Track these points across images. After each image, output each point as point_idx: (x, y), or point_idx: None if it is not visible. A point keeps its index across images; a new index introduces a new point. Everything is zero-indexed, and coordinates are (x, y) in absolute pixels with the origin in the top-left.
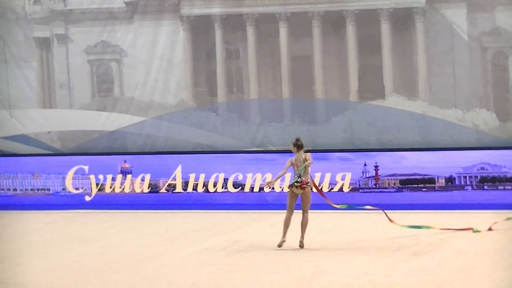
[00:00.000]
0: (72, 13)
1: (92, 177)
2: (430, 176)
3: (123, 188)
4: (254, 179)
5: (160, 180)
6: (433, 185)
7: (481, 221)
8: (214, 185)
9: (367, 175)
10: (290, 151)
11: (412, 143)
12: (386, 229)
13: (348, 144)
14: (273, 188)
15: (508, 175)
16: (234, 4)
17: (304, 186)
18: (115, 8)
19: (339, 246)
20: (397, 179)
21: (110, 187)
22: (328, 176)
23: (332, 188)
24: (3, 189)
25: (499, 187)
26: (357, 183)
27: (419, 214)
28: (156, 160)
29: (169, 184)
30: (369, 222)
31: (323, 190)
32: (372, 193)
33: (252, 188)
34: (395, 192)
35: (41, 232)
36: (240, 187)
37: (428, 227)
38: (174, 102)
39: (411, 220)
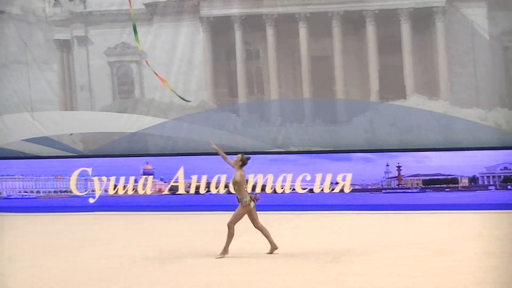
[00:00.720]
0: (92, 15)
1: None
2: (453, 176)
3: (146, 190)
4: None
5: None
6: (456, 185)
7: (506, 220)
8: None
9: (390, 176)
10: (310, 152)
11: (434, 143)
12: (404, 230)
13: (370, 144)
14: (294, 189)
15: None
16: (253, 4)
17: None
18: (135, 10)
19: (364, 248)
20: (420, 179)
21: (129, 189)
22: (349, 176)
23: (354, 189)
24: (26, 191)
25: None
26: (380, 183)
27: (442, 214)
28: (177, 161)
29: (190, 185)
30: (385, 224)
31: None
32: (395, 194)
33: (274, 190)
34: (418, 192)
35: (63, 234)
36: (262, 188)
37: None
38: (195, 103)
39: (434, 220)
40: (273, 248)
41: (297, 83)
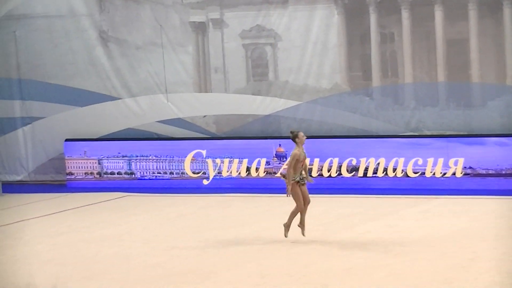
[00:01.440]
0: None
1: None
2: None
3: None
4: (408, 164)
5: (315, 165)
6: None
7: None
8: (367, 169)
9: None
10: (444, 136)
11: None
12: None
13: (505, 128)
14: (423, 173)
15: None
16: None
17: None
18: None
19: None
20: None
21: (263, 171)
22: (461, 161)
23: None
24: (159, 173)
25: None
26: None
27: None
28: (310, 144)
29: (327, 168)
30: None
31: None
32: None
33: (407, 173)
34: None
35: (196, 216)
36: (395, 172)
37: None
38: (328, 86)
39: None
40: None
41: (431, 66)
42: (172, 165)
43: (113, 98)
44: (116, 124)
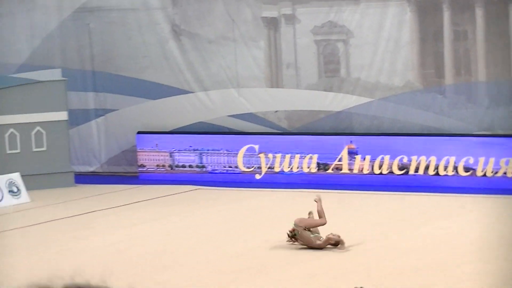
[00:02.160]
0: None
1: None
2: None
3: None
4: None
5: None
6: None
7: None
8: (436, 168)
9: None
10: None
11: None
12: None
13: None
14: (496, 173)
15: None
16: None
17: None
18: None
19: None
20: None
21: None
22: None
23: None
24: (230, 167)
25: None
26: None
27: None
28: (382, 141)
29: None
30: None
31: None
32: None
33: (480, 173)
34: None
35: (265, 211)
36: (468, 171)
37: None
38: (401, 83)
39: None
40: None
41: (505, 65)
42: (243, 160)
43: (185, 92)
44: (187, 117)
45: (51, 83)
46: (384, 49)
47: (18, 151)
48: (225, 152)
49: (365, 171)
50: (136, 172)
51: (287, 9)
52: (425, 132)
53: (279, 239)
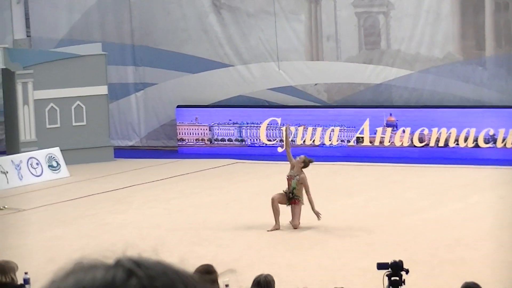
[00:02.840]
0: None
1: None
2: None
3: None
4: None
5: (426, 134)
6: None
7: None
8: (481, 140)
9: None
10: None
11: None
12: None
13: None
14: None
15: None
16: None
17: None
18: None
19: None
20: None
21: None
22: None
23: None
24: (270, 140)
25: None
26: None
27: None
28: (421, 114)
29: (436, 138)
30: None
31: None
32: None
33: None
34: None
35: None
36: (507, 143)
37: None
38: (441, 55)
39: None
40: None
41: None
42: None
43: (224, 65)
44: (227, 91)
45: (90, 57)
46: (424, 21)
47: (58, 125)
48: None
49: (405, 144)
50: (175, 146)
51: None
52: (465, 104)
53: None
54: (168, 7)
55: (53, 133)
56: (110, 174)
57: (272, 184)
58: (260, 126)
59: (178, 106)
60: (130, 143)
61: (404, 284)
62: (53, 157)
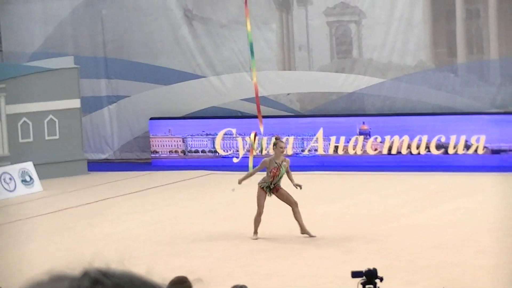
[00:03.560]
0: None
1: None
2: None
3: (363, 150)
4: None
5: (399, 142)
6: None
7: None
8: (454, 147)
9: None
10: None
11: None
12: None
13: None
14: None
15: None
16: None
17: (277, 188)
18: None
19: None
20: None
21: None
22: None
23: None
24: (224, 151)
25: None
26: None
27: None
28: (394, 122)
29: (408, 145)
30: None
31: None
32: None
33: (492, 151)
34: None
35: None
36: (481, 149)
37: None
38: (413, 63)
39: None
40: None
41: None
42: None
43: (197, 77)
44: (200, 102)
45: (63, 70)
46: (396, 29)
47: (30, 140)
48: (238, 136)
49: (378, 152)
50: (149, 159)
51: None
52: (438, 111)
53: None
54: (141, 19)
55: (26, 148)
56: (84, 188)
57: (247, 194)
58: (233, 137)
59: (151, 118)
60: (104, 156)
61: None
62: (26, 172)
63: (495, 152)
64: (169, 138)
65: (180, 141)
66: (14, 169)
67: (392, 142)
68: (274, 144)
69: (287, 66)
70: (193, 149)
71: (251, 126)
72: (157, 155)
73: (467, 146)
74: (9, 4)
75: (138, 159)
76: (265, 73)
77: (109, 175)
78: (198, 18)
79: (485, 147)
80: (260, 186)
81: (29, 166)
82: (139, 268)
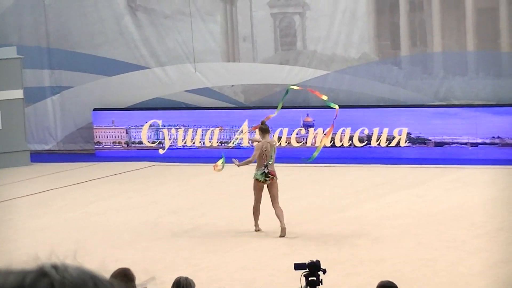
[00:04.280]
0: None
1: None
2: None
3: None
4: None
5: (342, 134)
6: None
7: None
8: (394, 140)
9: None
10: (473, 105)
11: None
12: None
13: None
14: (452, 143)
15: None
16: None
17: (272, 177)
18: None
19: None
20: None
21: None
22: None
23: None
24: (186, 142)
25: None
26: None
27: None
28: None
29: (350, 137)
30: None
31: None
32: None
33: (435, 143)
34: None
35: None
36: (423, 142)
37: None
38: (357, 55)
39: None
40: (282, 231)
41: (461, 35)
42: (200, 135)
43: (141, 68)
44: (144, 93)
45: (5, 61)
46: (340, 21)
47: None
48: (182, 127)
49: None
50: (92, 150)
51: None
52: (381, 103)
53: (233, 214)
54: (84, 9)
55: None
56: (27, 179)
57: (191, 186)
58: (177, 128)
59: (95, 109)
60: (47, 147)
61: (321, 284)
62: None
63: (438, 145)
64: (112, 129)
65: (123, 132)
66: None
67: (335, 135)
68: (260, 129)
69: (232, 58)
70: (136, 140)
71: (195, 118)
72: (100, 146)
73: (410, 139)
74: None
75: (81, 150)
76: (210, 64)
77: (52, 166)
78: (141, 8)
79: (429, 139)
80: (255, 178)
81: None
82: (83, 260)
